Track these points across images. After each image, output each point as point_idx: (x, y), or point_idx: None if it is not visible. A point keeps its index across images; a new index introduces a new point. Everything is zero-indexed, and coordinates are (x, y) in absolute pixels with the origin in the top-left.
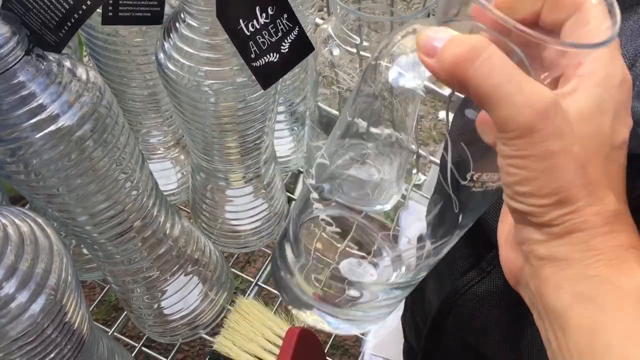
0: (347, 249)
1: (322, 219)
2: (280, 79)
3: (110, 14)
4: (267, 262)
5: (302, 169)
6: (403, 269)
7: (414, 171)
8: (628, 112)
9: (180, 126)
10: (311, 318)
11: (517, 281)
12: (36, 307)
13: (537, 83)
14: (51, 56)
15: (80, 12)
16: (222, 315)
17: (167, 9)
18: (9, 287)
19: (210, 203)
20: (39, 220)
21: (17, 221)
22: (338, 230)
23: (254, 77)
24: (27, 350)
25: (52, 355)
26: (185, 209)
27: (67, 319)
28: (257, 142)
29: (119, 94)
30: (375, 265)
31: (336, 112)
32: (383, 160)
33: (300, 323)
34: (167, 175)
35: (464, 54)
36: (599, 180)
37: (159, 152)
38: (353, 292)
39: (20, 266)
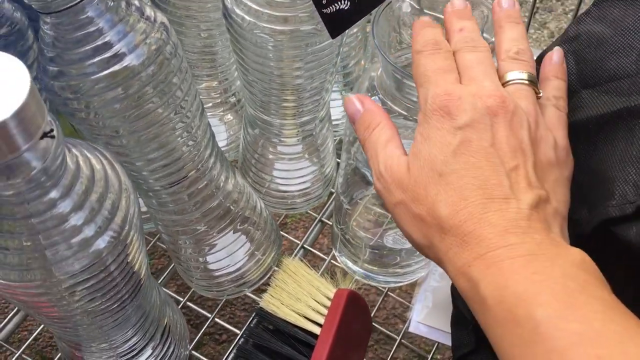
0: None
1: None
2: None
3: None
4: (313, 224)
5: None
6: None
7: None
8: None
9: (240, 77)
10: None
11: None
12: (101, 242)
13: (392, 154)
14: None
15: None
16: (269, 274)
17: None
18: (77, 220)
19: (260, 159)
20: (108, 155)
21: (88, 154)
22: (382, 208)
23: (321, 25)
24: (87, 286)
25: (111, 294)
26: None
27: (129, 259)
28: (316, 97)
29: None
30: None
31: None
32: None
33: (347, 286)
34: (216, 132)
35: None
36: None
37: (209, 108)
38: (395, 256)
39: (89, 199)
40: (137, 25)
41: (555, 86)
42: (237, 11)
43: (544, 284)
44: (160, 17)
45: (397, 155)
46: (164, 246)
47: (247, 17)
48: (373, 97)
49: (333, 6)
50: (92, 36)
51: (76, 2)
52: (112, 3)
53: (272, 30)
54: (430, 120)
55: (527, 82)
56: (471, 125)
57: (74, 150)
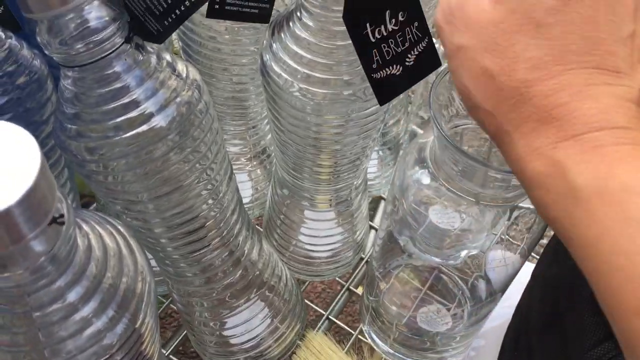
0: (426, 297)
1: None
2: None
3: (217, 6)
4: (340, 293)
5: (384, 195)
6: (474, 319)
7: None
8: None
9: (272, 136)
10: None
11: None
12: (112, 336)
13: None
14: (150, 46)
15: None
16: (292, 350)
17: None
18: (85, 311)
19: (286, 222)
20: (123, 229)
21: (100, 230)
22: (417, 282)
23: (366, 90)
24: None
25: None
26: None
27: (142, 349)
28: (355, 162)
29: None
30: (452, 315)
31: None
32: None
33: None
34: (242, 188)
35: None
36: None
37: (237, 162)
38: (428, 340)
39: (100, 286)
40: (167, 82)
41: None
42: (275, 68)
43: None
44: (193, 73)
45: None
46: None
47: (284, 76)
48: (422, 170)
49: (384, 71)
50: (118, 93)
51: (103, 55)
52: (142, 57)
53: (311, 92)
54: None
55: None
56: None
57: (85, 227)
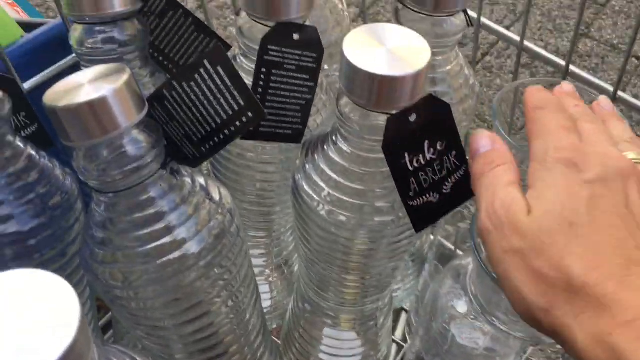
0: None
1: None
2: None
3: (251, 129)
4: None
5: (405, 307)
6: None
7: None
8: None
9: (299, 254)
10: None
11: None
12: None
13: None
14: (184, 169)
15: (232, 128)
16: None
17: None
18: None
19: (305, 337)
20: None
21: None
22: None
23: (399, 216)
24: None
25: None
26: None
27: None
28: (383, 283)
29: None
30: None
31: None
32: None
33: None
34: (262, 298)
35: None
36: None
37: (258, 273)
38: None
39: None
40: (201, 206)
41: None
42: (307, 189)
43: None
44: (225, 196)
45: (520, 198)
46: None
47: (316, 198)
48: (460, 298)
49: (421, 199)
50: (151, 219)
51: (140, 181)
52: (177, 181)
53: (342, 216)
54: (553, 169)
55: None
56: (602, 182)
57: None
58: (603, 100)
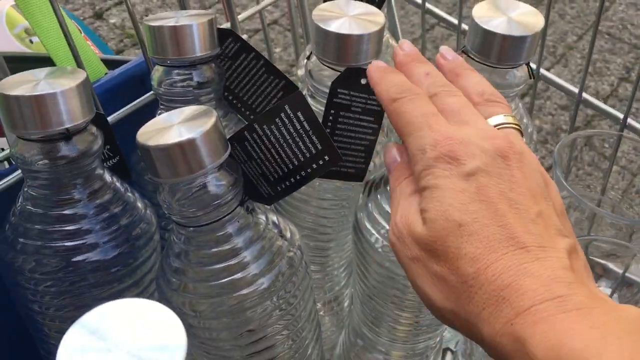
0: None
1: None
2: None
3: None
4: None
5: (452, 347)
6: None
7: None
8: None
9: (356, 289)
10: None
11: None
12: None
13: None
14: (259, 206)
15: (308, 170)
16: None
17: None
18: None
19: None
20: None
21: None
22: None
23: None
24: None
25: None
26: None
27: None
28: (437, 322)
29: None
30: None
31: None
32: None
33: None
34: None
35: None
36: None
37: None
38: None
39: None
40: (274, 243)
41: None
42: (368, 227)
43: (606, 340)
44: (295, 233)
45: (416, 210)
46: None
47: (376, 236)
48: None
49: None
50: (227, 255)
51: (219, 218)
52: (252, 218)
53: None
54: (435, 170)
55: (513, 125)
56: (484, 170)
57: None
58: (445, 51)
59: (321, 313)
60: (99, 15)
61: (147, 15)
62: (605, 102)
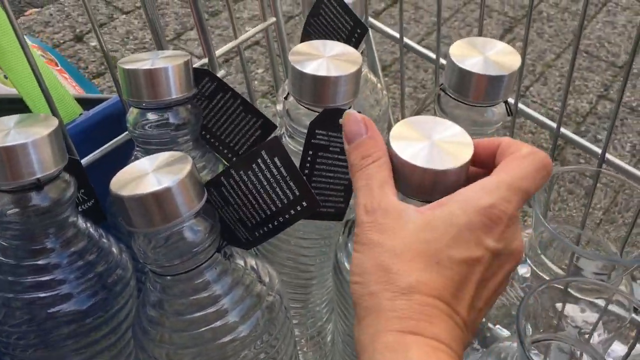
0: None
1: None
2: None
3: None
4: None
5: None
6: None
7: None
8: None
9: (337, 328)
10: None
11: None
12: None
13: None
14: (236, 251)
15: (286, 216)
16: None
17: None
18: None
19: None
20: None
21: None
22: None
23: None
24: None
25: None
26: None
27: None
28: None
29: None
30: None
31: None
32: None
33: None
34: None
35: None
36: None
37: None
38: None
39: None
40: (253, 288)
41: None
42: (347, 265)
43: None
44: (274, 276)
45: (392, 199)
46: None
47: None
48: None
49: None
50: (205, 303)
51: (196, 266)
52: (230, 264)
53: None
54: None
55: None
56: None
57: None
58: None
59: (304, 349)
60: (79, 39)
61: (127, 38)
62: (584, 120)
